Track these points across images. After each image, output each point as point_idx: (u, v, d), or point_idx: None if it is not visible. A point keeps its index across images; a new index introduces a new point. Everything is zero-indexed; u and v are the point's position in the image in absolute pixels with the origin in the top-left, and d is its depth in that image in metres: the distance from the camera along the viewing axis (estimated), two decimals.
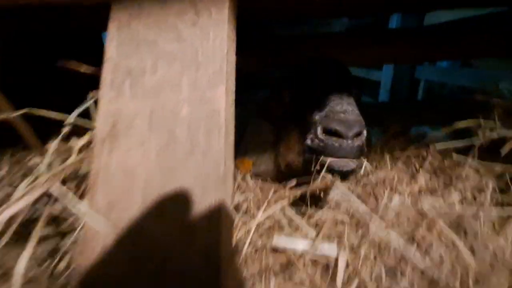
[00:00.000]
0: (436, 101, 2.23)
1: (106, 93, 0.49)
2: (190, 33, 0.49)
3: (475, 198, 0.84)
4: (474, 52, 1.61)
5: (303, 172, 1.04)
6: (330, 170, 0.91)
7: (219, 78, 0.47)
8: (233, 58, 0.53)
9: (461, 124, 0.93)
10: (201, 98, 0.47)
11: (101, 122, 0.48)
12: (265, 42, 1.47)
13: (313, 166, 0.95)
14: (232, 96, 0.50)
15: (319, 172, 0.94)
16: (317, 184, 0.92)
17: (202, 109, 0.47)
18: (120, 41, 0.50)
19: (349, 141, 0.89)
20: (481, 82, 2.20)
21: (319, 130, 0.93)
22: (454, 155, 0.93)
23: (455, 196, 0.85)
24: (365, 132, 0.93)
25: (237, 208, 0.96)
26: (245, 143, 1.32)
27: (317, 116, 0.96)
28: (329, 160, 0.91)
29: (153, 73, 0.49)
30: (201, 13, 0.50)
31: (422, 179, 0.98)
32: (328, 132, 0.90)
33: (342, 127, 0.88)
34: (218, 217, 0.44)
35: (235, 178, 1.16)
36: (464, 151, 1.00)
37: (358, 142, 0.90)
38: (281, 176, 1.18)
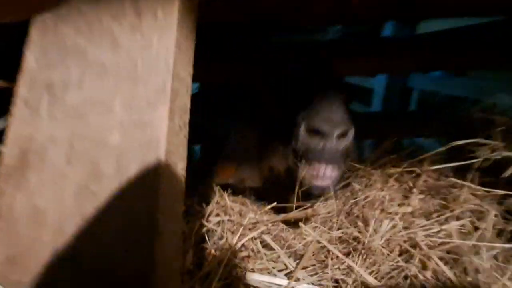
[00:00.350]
0: (431, 112, 2.16)
1: (18, 113, 0.38)
2: (128, 39, 0.39)
3: (475, 227, 0.75)
4: (468, 64, 1.54)
5: (286, 177, 0.97)
6: (309, 194, 0.83)
7: (161, 97, 0.37)
8: (186, 72, 0.43)
9: (459, 143, 0.85)
10: (136, 122, 0.37)
11: (9, 151, 0.37)
12: (250, 50, 1.38)
13: (296, 181, 0.87)
14: (180, 120, 0.41)
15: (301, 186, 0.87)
16: (297, 213, 0.83)
17: (136, 137, 0.37)
18: (43, 49, 0.40)
19: (334, 142, 0.81)
20: (475, 92, 2.14)
21: (301, 129, 0.85)
22: (451, 179, 0.84)
23: (452, 223, 0.76)
24: (351, 134, 0.85)
25: (210, 233, 0.86)
26: (228, 147, 1.26)
27: (301, 116, 0.88)
28: (310, 182, 0.83)
29: (78, 89, 0.39)
30: (143, 14, 0.40)
31: (416, 200, 0.89)
32: (312, 131, 0.83)
33: (325, 125, 0.80)
34: None
35: (207, 195, 1.06)
36: (462, 170, 0.92)
37: (343, 143, 0.83)
38: (265, 182, 1.11)
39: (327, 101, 0.86)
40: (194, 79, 0.50)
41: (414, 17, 1.90)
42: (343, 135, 0.82)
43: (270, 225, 0.90)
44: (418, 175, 0.97)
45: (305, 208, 0.91)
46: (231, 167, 1.19)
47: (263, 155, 1.11)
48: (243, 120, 1.31)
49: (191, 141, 1.64)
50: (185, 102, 0.42)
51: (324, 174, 0.85)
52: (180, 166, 0.41)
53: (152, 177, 0.35)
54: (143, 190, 0.35)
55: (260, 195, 1.12)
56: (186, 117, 0.43)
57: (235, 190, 1.13)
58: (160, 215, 0.35)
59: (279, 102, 1.07)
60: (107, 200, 0.35)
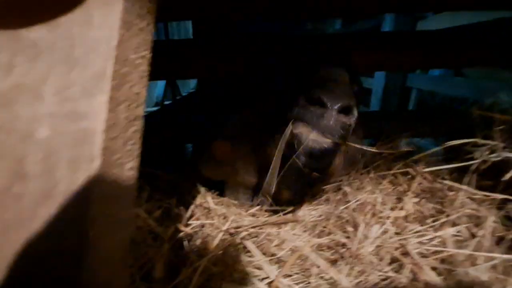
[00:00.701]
0: (430, 112, 2.11)
1: None
2: (66, 15, 0.33)
3: (472, 234, 0.70)
4: (469, 61, 1.48)
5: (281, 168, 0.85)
6: (304, 149, 0.75)
7: (99, 83, 0.32)
8: (138, 55, 0.37)
9: (455, 143, 0.79)
10: (69, 113, 0.31)
11: None
12: (242, 43, 1.32)
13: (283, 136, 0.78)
14: (129, 112, 0.35)
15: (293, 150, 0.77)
16: (278, 218, 0.77)
17: (68, 130, 0.31)
18: None
19: (334, 113, 0.71)
20: (474, 93, 2.09)
21: (301, 99, 0.76)
22: (447, 182, 0.78)
23: (447, 230, 0.70)
24: (355, 112, 0.75)
25: (189, 238, 0.80)
26: (227, 129, 1.14)
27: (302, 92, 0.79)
28: (303, 134, 0.74)
29: (7, 74, 0.33)
30: None
31: (410, 203, 0.83)
32: (311, 100, 0.74)
33: (327, 95, 0.71)
34: None
35: (189, 195, 0.99)
36: (459, 172, 0.86)
37: (344, 120, 0.73)
38: (260, 171, 1.01)
39: (335, 70, 0.80)
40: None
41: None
42: (345, 111, 0.72)
43: (256, 228, 0.84)
44: (413, 177, 0.92)
45: (288, 212, 0.85)
46: (226, 142, 1.08)
47: (262, 141, 1.00)
48: (245, 106, 1.20)
49: (183, 139, 1.55)
50: (138, 91, 0.37)
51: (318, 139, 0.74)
52: (127, 166, 0.35)
53: (85, 180, 0.30)
54: (73, 195, 0.29)
55: (254, 190, 1.05)
56: (140, 109, 0.37)
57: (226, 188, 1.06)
58: (93, 225, 0.29)
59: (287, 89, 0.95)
60: (31, 204, 0.29)
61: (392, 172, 0.96)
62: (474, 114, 1.02)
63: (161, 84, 2.96)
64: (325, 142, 0.74)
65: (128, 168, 0.35)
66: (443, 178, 0.87)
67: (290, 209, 0.88)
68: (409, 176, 0.95)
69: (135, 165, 0.36)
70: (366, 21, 3.50)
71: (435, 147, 1.45)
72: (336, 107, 0.70)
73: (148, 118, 2.12)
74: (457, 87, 2.40)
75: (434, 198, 0.84)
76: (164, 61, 1.26)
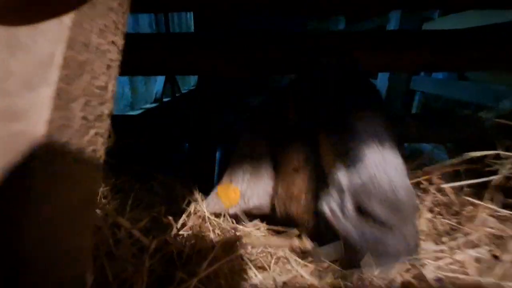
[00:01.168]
0: (435, 116, 2.03)
1: None
2: None
3: (495, 256, 0.62)
4: (476, 63, 1.40)
5: (312, 232, 0.73)
6: None
7: (45, 73, 0.24)
8: (106, 40, 0.29)
9: (476, 154, 0.71)
10: (6, 110, 0.23)
11: None
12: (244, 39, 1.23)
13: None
14: (89, 110, 0.27)
15: None
16: (280, 241, 0.68)
17: (4, 132, 0.23)
18: None
19: (397, 233, 0.56)
20: (478, 97, 2.04)
21: (348, 205, 0.60)
22: (466, 197, 0.70)
23: (467, 252, 0.62)
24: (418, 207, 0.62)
25: (179, 251, 0.72)
26: (233, 164, 0.95)
27: (342, 176, 0.63)
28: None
29: None
30: None
31: (423, 220, 0.75)
32: (363, 211, 0.58)
33: (387, 211, 0.55)
34: None
35: (181, 203, 0.90)
36: (479, 185, 0.78)
37: (410, 228, 0.57)
38: (278, 221, 0.85)
39: (383, 155, 0.59)
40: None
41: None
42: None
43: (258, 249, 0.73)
44: (426, 191, 0.84)
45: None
46: (235, 187, 0.91)
47: (277, 191, 0.86)
48: (252, 128, 1.01)
49: (180, 138, 1.44)
50: (103, 84, 0.29)
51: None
52: (87, 174, 0.27)
53: (20, 193, 0.22)
54: (5, 214, 0.21)
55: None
56: (106, 107, 0.29)
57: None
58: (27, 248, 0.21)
59: (300, 112, 0.82)
60: None
61: None
62: (488, 122, 0.94)
63: (160, 80, 2.88)
64: None
65: (87, 176, 0.27)
66: (459, 191, 0.79)
67: (294, 231, 0.78)
68: (421, 190, 0.87)
69: (97, 175, 0.29)
70: (370, 21, 3.42)
71: (440, 152, 1.36)
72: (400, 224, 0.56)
73: (146, 114, 2.04)
74: (462, 91, 2.35)
75: (449, 213, 0.76)
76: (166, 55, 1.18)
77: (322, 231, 0.68)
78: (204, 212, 0.88)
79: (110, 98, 0.30)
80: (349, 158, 0.62)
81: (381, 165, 0.57)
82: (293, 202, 0.78)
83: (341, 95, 0.73)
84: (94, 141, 0.27)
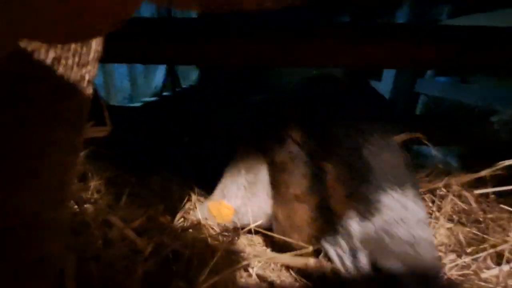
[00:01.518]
0: (443, 118, 1.98)
1: None
2: None
3: None
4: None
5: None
6: None
7: None
8: None
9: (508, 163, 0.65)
10: None
11: None
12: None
13: None
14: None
15: None
16: (294, 259, 0.61)
17: None
18: None
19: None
20: (482, 99, 2.01)
21: (362, 259, 0.52)
22: (502, 205, 0.64)
23: (503, 268, 0.56)
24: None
25: (177, 254, 0.65)
26: (226, 177, 0.88)
27: (355, 224, 0.55)
28: None
29: None
30: None
31: (442, 229, 0.69)
32: (377, 268, 0.50)
33: (405, 273, 0.46)
34: None
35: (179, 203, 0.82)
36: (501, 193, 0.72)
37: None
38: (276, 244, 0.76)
39: (401, 204, 0.51)
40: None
41: None
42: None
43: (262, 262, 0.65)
44: (442, 197, 0.78)
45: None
46: (228, 205, 0.84)
47: (276, 216, 0.76)
48: (248, 136, 0.94)
49: (179, 133, 1.34)
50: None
51: None
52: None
53: None
54: None
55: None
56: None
57: None
58: None
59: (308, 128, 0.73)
60: None
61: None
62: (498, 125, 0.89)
63: (160, 73, 2.80)
64: None
65: None
66: (481, 198, 0.73)
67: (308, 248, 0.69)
68: (437, 196, 0.80)
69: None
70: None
71: (438, 153, 1.30)
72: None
73: (146, 107, 1.97)
74: (469, 94, 2.33)
75: (470, 221, 0.70)
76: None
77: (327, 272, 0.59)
78: (204, 208, 0.82)
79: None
80: (362, 202, 0.54)
81: (400, 214, 0.50)
82: (294, 231, 0.69)
83: (356, 120, 0.64)
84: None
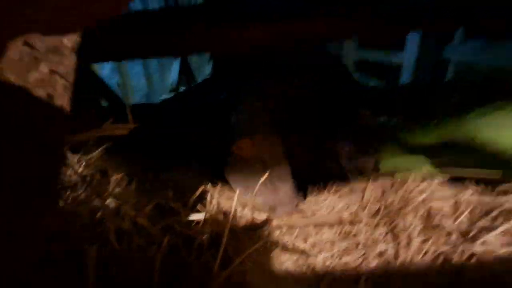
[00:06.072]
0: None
1: None
2: None
3: None
4: None
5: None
6: None
7: None
8: None
9: None
10: None
11: None
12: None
13: None
14: None
15: None
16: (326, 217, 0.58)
17: None
18: None
19: None
20: None
21: None
22: None
23: None
24: None
25: (188, 240, 0.63)
26: (239, 122, 1.06)
27: None
28: None
29: None
30: None
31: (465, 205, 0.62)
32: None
33: None
34: None
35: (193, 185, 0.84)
36: None
37: None
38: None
39: None
40: None
41: None
42: None
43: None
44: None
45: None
46: (247, 142, 0.99)
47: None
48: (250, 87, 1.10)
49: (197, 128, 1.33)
50: None
51: None
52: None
53: None
54: None
55: None
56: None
57: None
58: None
59: None
60: None
61: None
62: None
63: (175, 69, 2.80)
64: None
65: None
66: None
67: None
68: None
69: None
70: None
71: None
72: None
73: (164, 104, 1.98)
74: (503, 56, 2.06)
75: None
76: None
77: None
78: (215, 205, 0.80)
79: None
80: None
81: None
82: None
83: None
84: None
